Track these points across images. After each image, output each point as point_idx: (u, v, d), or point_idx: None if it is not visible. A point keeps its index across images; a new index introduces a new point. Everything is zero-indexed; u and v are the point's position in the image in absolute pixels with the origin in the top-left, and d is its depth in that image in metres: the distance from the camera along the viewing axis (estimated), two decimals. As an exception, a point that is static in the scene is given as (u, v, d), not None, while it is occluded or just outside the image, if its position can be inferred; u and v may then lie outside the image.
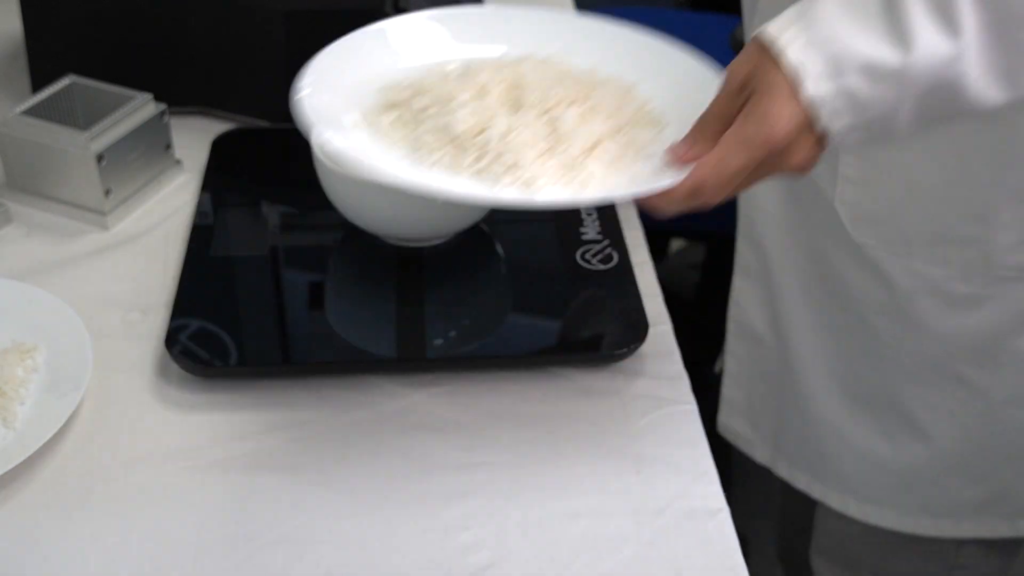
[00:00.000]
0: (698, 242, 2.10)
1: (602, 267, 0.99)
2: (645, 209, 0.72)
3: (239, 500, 0.80)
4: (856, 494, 1.05)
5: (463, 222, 0.99)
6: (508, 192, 0.70)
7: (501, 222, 1.05)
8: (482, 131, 0.72)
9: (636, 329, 0.92)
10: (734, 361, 1.12)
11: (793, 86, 0.65)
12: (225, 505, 0.80)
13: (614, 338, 0.92)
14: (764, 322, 1.07)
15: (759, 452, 1.13)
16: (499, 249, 1.03)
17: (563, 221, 1.04)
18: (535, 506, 0.80)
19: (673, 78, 0.79)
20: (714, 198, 0.70)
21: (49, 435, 0.81)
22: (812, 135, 0.67)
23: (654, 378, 0.91)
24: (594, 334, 0.94)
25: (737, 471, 1.90)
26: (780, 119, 0.65)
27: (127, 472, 0.82)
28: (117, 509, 0.79)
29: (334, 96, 0.78)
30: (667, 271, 2.19)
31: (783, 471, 1.10)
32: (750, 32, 0.92)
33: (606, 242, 1.01)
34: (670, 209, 0.71)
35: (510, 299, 0.98)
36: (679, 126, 0.73)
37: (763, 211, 1.02)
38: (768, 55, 0.66)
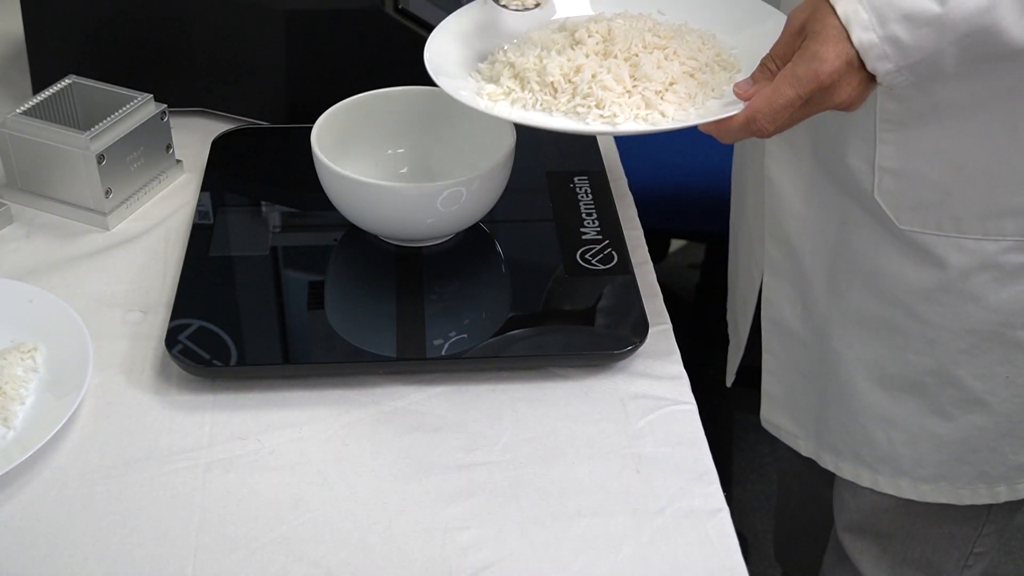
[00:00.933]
0: (698, 242, 2.10)
1: (602, 267, 0.99)
2: (712, 135, 0.82)
3: (239, 500, 0.80)
4: (911, 475, 1.06)
5: (463, 222, 0.99)
6: (595, 124, 0.85)
7: (501, 222, 1.05)
8: (576, 73, 0.87)
9: (636, 329, 0.92)
10: (771, 357, 1.14)
11: (843, 32, 0.75)
12: (225, 505, 0.80)
13: (614, 338, 0.92)
14: (797, 318, 1.09)
15: (803, 445, 1.14)
16: (499, 249, 1.03)
17: (563, 221, 1.04)
18: (535, 506, 0.80)
19: (754, 29, 0.89)
20: (766, 127, 0.79)
21: (49, 435, 0.81)
22: (858, 75, 0.77)
23: (654, 378, 0.91)
24: (594, 334, 0.94)
25: (737, 471, 1.90)
26: (827, 59, 0.75)
27: (127, 472, 0.82)
28: (117, 509, 0.79)
29: (454, 52, 0.93)
30: (667, 271, 2.19)
31: (828, 463, 1.12)
32: None
33: (606, 242, 1.01)
34: (728, 138, 0.81)
35: (510, 299, 0.98)
36: (752, 69, 0.84)
37: (790, 211, 1.04)
38: (824, 3, 0.76)
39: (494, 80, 0.90)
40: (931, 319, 0.98)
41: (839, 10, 0.75)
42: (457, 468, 0.83)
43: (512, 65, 0.90)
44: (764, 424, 1.17)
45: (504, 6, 0.93)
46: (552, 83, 0.87)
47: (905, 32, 0.75)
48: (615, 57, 0.88)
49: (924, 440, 1.04)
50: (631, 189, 1.13)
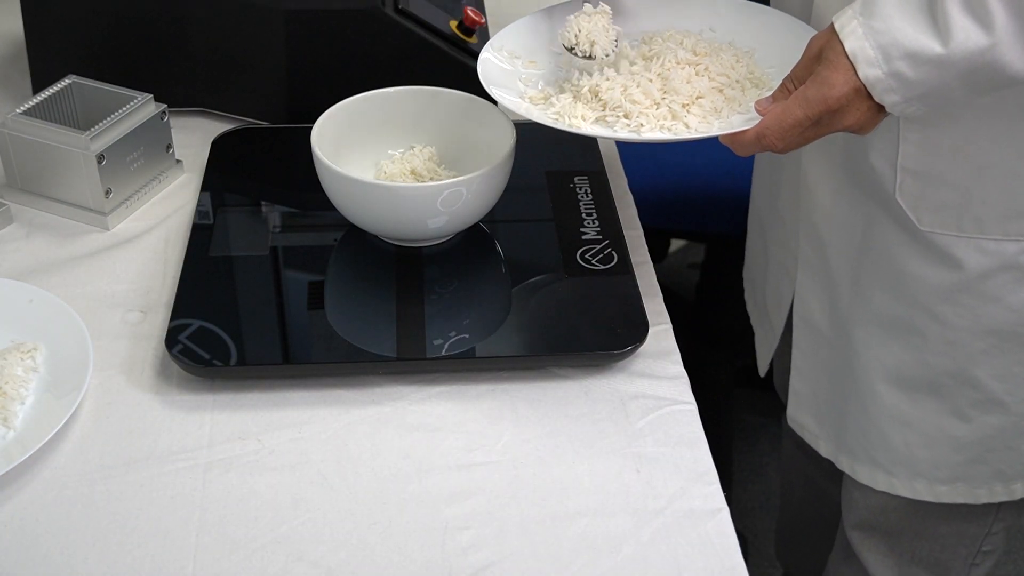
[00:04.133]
0: (698, 242, 2.10)
1: (602, 267, 0.99)
2: (728, 146, 0.87)
3: (239, 500, 0.80)
4: (927, 477, 1.07)
5: (463, 222, 0.99)
6: (621, 132, 0.91)
7: (501, 222, 1.05)
8: (607, 89, 0.93)
9: (636, 329, 0.92)
10: (800, 355, 1.14)
11: (852, 64, 0.80)
12: (225, 505, 0.80)
13: (614, 338, 0.92)
14: (825, 318, 1.10)
15: (823, 446, 1.15)
16: (499, 249, 1.03)
17: (563, 221, 1.04)
18: (535, 506, 0.80)
19: (789, 50, 0.91)
20: (776, 144, 0.83)
21: (49, 435, 0.81)
22: (866, 103, 0.81)
23: (654, 378, 0.91)
24: (594, 334, 0.94)
25: (737, 471, 1.90)
26: (836, 85, 0.80)
27: (127, 472, 0.82)
28: (117, 509, 0.79)
29: (506, 61, 1.00)
30: (667, 271, 2.19)
31: (844, 465, 1.13)
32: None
33: (606, 242, 1.01)
34: (742, 151, 0.86)
35: (510, 299, 0.98)
36: None
37: (820, 207, 1.04)
38: (837, 35, 0.80)
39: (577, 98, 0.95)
40: (951, 320, 0.98)
41: (847, 46, 0.79)
42: (457, 468, 0.83)
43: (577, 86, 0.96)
44: (790, 423, 1.18)
45: (573, 53, 0.97)
46: (587, 94, 0.94)
47: (909, 69, 0.78)
48: (651, 70, 0.94)
49: (942, 442, 1.04)
50: (631, 189, 1.13)
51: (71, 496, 0.80)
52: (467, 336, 0.93)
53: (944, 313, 0.98)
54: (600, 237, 1.02)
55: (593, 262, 0.99)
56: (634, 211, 1.10)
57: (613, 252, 1.00)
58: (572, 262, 0.99)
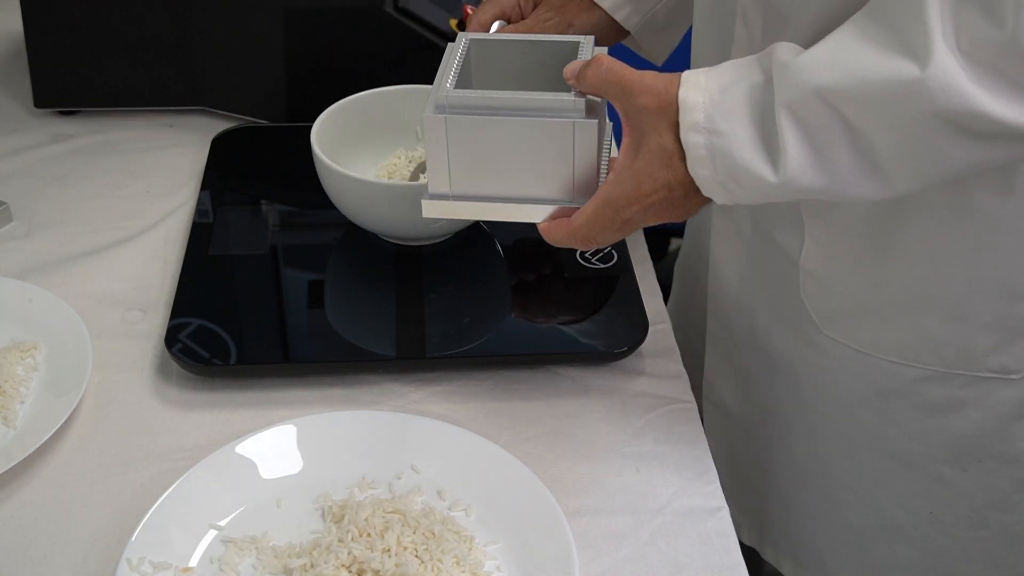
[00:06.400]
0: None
1: (602, 266, 0.99)
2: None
3: (239, 499, 0.80)
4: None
5: (463, 221, 0.99)
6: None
7: (501, 221, 1.05)
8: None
9: (636, 328, 0.92)
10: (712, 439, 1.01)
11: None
12: (225, 504, 0.80)
13: (614, 337, 0.92)
14: (736, 402, 1.02)
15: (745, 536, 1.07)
16: (499, 248, 1.03)
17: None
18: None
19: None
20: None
21: (49, 434, 0.81)
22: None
23: (654, 377, 0.91)
24: (594, 333, 0.94)
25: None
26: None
27: (127, 471, 0.82)
28: (117, 508, 0.79)
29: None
30: (667, 271, 2.19)
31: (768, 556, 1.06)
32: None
33: (606, 241, 1.01)
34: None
35: (510, 298, 0.98)
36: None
37: (728, 289, 0.97)
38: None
39: None
40: (852, 437, 0.91)
41: (692, 166, 0.71)
42: (457, 467, 0.83)
43: None
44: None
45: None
46: None
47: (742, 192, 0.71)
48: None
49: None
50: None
51: (71, 495, 0.80)
52: (467, 335, 0.93)
53: (845, 428, 0.91)
54: (600, 236, 1.02)
55: (593, 261, 0.99)
56: (634, 210, 1.09)
57: (613, 251, 1.00)
58: (572, 261, 0.99)
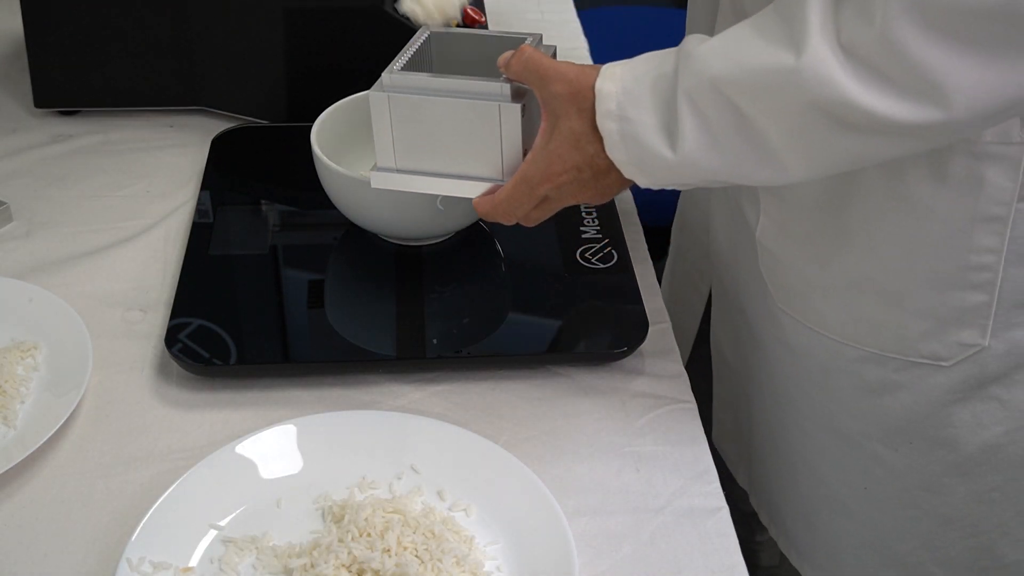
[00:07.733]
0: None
1: (602, 266, 0.99)
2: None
3: (239, 499, 0.80)
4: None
5: (463, 221, 0.99)
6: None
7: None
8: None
9: (636, 328, 0.92)
10: (719, 386, 1.11)
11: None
12: (225, 504, 0.80)
13: (614, 337, 0.92)
14: (732, 356, 1.06)
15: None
16: (499, 248, 1.03)
17: (563, 220, 1.04)
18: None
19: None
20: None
21: (49, 433, 0.81)
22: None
23: (654, 377, 0.91)
24: (594, 333, 0.94)
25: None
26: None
27: (127, 471, 0.82)
28: (117, 508, 0.79)
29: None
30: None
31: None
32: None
33: (606, 241, 1.01)
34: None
35: (510, 298, 0.98)
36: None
37: (720, 249, 1.01)
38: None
39: None
40: (802, 408, 0.94)
41: (609, 147, 0.76)
42: (457, 467, 0.83)
43: None
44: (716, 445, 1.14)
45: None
46: None
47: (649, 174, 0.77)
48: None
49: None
50: (630, 188, 1.13)
51: (71, 494, 0.80)
52: (467, 335, 0.93)
53: (795, 398, 0.94)
54: (600, 236, 1.02)
55: (593, 261, 0.99)
56: (634, 209, 1.10)
57: (613, 251, 1.00)
58: (572, 261, 0.99)
